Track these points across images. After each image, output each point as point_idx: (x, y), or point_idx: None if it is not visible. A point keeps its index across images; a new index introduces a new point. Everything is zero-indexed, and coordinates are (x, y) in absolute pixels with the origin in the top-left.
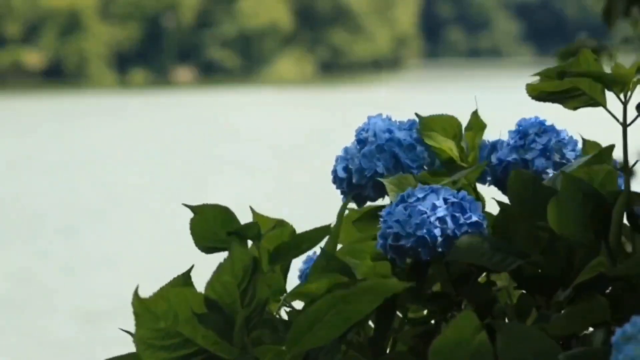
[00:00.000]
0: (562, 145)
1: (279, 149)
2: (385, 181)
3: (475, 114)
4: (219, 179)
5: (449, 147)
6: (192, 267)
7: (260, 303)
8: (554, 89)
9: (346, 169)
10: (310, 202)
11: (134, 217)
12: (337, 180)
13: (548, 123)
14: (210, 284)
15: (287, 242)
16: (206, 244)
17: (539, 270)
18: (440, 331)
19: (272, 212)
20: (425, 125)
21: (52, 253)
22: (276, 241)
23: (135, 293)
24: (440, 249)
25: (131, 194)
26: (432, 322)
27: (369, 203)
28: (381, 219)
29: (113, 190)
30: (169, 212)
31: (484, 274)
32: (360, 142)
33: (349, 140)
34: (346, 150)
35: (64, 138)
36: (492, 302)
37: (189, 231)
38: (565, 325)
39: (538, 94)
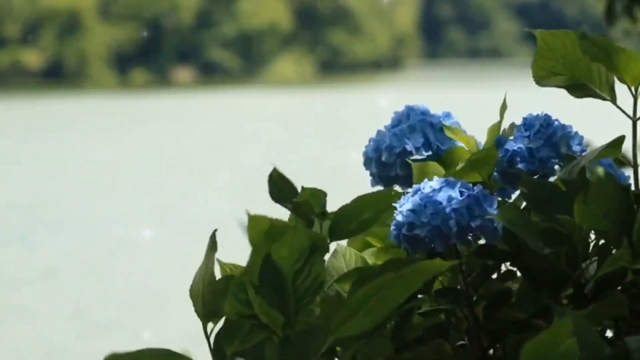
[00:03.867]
0: (568, 138)
1: (279, 148)
2: (413, 165)
3: (502, 109)
4: (219, 179)
5: (467, 139)
6: (215, 230)
7: (314, 285)
8: (561, 83)
9: (376, 149)
10: None
11: (133, 217)
12: (366, 161)
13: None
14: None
15: (345, 209)
16: (276, 197)
17: (552, 265)
18: (452, 326)
19: (274, 213)
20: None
21: (50, 255)
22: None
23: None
24: (454, 241)
25: (131, 195)
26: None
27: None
28: (396, 210)
29: (112, 191)
30: (168, 212)
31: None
32: (395, 127)
33: (349, 139)
34: (379, 132)
35: (64, 138)
36: (505, 297)
37: (187, 231)
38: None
39: (542, 79)
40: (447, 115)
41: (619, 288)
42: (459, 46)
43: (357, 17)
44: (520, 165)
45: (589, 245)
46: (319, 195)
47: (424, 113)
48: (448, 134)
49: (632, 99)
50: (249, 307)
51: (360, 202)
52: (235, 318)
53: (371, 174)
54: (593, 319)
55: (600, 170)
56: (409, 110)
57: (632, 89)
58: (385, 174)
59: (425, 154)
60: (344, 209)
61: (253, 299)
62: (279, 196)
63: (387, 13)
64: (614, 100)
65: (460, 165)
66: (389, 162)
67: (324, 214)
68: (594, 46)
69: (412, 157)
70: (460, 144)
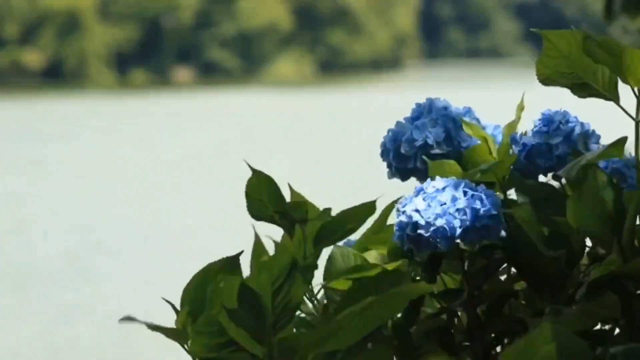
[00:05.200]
0: (586, 136)
1: (279, 148)
2: (431, 162)
3: (519, 108)
4: (219, 179)
5: (483, 137)
6: (241, 252)
7: (293, 305)
8: (565, 82)
9: (395, 140)
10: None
11: (131, 215)
12: (384, 151)
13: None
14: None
15: (330, 222)
16: (255, 212)
17: (551, 266)
18: (454, 326)
19: None
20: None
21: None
22: (319, 223)
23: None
24: (458, 241)
25: (131, 195)
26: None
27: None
28: (399, 211)
29: (112, 191)
30: (168, 212)
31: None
32: (415, 118)
33: (349, 138)
34: (398, 123)
35: (64, 138)
36: (507, 297)
37: (187, 230)
38: (576, 321)
39: (546, 78)
40: (468, 111)
41: (613, 291)
42: (459, 46)
43: (357, 17)
44: (538, 161)
45: (585, 247)
46: (302, 206)
47: (446, 107)
48: (467, 130)
49: (635, 100)
50: (220, 335)
51: (344, 216)
52: (205, 355)
53: (388, 165)
54: (584, 319)
55: (593, 171)
56: (431, 103)
57: (636, 89)
58: (403, 166)
59: (447, 148)
60: (327, 225)
61: (228, 325)
62: (259, 208)
63: (387, 13)
64: (617, 101)
65: (477, 169)
66: (408, 154)
67: (305, 222)
68: (598, 47)
69: (432, 152)
70: (479, 141)
